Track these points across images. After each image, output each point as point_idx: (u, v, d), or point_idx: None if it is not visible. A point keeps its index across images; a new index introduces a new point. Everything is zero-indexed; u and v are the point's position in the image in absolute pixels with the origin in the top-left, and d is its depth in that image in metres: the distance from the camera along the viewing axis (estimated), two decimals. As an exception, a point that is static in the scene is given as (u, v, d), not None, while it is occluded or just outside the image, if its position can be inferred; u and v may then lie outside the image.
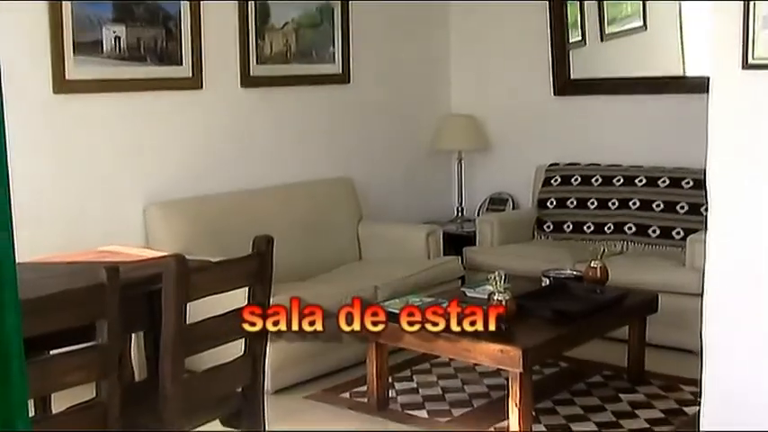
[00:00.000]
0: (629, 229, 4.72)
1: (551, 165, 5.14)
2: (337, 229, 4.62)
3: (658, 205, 4.66)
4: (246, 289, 2.44)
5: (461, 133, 5.41)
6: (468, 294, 3.63)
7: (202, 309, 2.33)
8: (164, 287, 2.21)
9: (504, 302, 3.10)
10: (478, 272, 4.51)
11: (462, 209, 5.47)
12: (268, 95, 4.60)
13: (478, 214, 5.35)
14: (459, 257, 4.64)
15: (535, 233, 5.04)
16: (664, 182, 4.69)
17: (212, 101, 4.32)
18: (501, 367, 3.23)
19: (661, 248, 4.59)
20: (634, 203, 4.74)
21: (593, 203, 4.88)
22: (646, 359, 3.79)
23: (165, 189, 4.11)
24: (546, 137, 5.30)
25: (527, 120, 5.38)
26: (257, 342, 2.48)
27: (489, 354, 3.06)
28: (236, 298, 2.44)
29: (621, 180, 4.84)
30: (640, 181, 4.77)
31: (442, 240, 4.63)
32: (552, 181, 5.06)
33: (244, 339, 2.46)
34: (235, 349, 2.46)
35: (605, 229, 4.79)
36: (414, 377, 3.88)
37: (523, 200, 5.36)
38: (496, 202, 5.45)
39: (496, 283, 3.12)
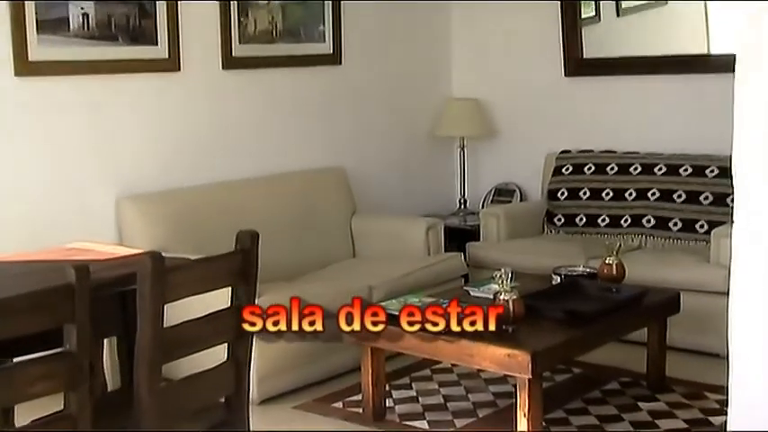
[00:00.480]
0: (648, 222, 4.72)
1: (562, 152, 5.14)
2: (328, 224, 4.61)
3: (680, 196, 4.66)
4: (229, 289, 2.44)
5: (464, 118, 5.41)
6: (472, 294, 3.64)
7: (181, 311, 2.32)
8: (138, 288, 2.20)
9: (510, 302, 3.09)
10: (483, 269, 4.51)
11: (465, 201, 5.47)
12: (252, 78, 4.59)
13: (483, 206, 5.35)
14: (462, 254, 4.64)
15: (545, 227, 5.05)
16: (686, 170, 4.70)
17: (191, 84, 4.31)
18: (508, 373, 3.23)
19: (683, 243, 4.60)
20: (653, 194, 4.75)
21: (608, 194, 4.88)
22: (667, 364, 3.79)
23: (140, 181, 4.10)
24: (556, 122, 5.29)
25: (535, 103, 5.38)
26: (242, 347, 2.48)
27: (495, 358, 3.06)
28: (218, 299, 2.43)
29: (639, 168, 4.84)
30: (660, 169, 4.77)
31: (443, 235, 4.62)
32: (563, 170, 5.06)
33: (227, 344, 2.46)
34: (217, 355, 2.45)
35: (622, 222, 4.80)
36: (413, 385, 3.87)
37: (532, 191, 5.37)
38: (502, 194, 5.45)
39: (502, 282, 3.11)
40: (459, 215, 5.40)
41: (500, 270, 3.15)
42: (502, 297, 3.11)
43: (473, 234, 5.00)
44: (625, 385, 3.80)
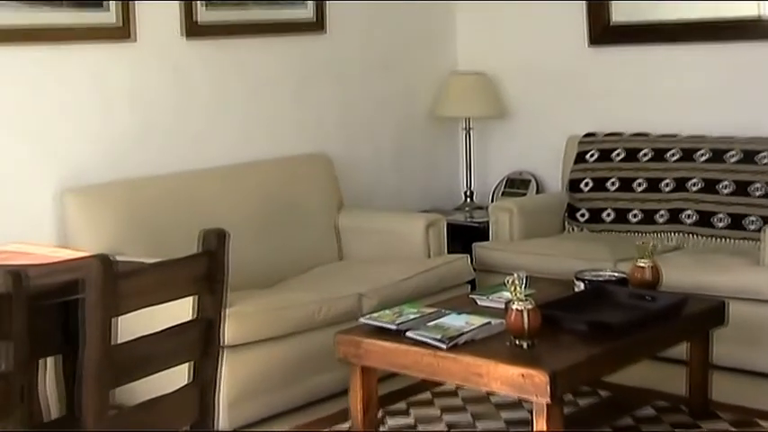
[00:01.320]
0: (689, 217, 4.71)
1: (586, 135, 5.12)
2: (310, 221, 4.60)
3: (726, 186, 4.64)
4: (193, 299, 2.42)
5: (470, 96, 5.38)
6: (480, 303, 3.63)
7: (135, 325, 2.31)
8: (86, 297, 2.16)
9: (525, 313, 3.06)
10: (493, 274, 4.49)
11: (472, 193, 5.44)
12: (219, 49, 4.57)
13: (493, 200, 5.33)
14: (468, 255, 4.62)
15: (566, 224, 5.04)
16: (733, 156, 4.68)
17: (146, 56, 4.28)
18: (523, 397, 3.17)
19: (730, 242, 4.58)
20: (695, 184, 4.73)
21: (640, 185, 4.86)
22: (711, 386, 3.76)
23: (85, 170, 4.07)
24: (579, 100, 5.27)
25: (554, 78, 5.35)
26: (208, 366, 2.46)
27: (507, 379, 3.03)
28: (180, 310, 2.42)
29: (678, 154, 4.83)
30: (703, 155, 4.75)
31: (445, 234, 4.60)
32: (587, 156, 5.04)
33: (190, 363, 2.44)
34: (179, 376, 2.43)
35: (657, 217, 4.79)
36: (410, 410, 3.85)
37: (550, 181, 5.36)
38: (515, 185, 5.43)
39: (515, 289, 3.08)
40: (465, 210, 5.38)
41: (512, 275, 3.12)
42: (515, 307, 3.08)
43: (481, 232, 4.98)
44: (662, 411, 3.77)
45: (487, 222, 4.94)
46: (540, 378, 2.94)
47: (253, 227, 4.27)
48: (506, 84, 5.50)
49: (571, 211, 5.01)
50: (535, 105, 5.43)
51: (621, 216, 4.86)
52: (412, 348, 3.17)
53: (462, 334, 3.15)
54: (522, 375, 2.98)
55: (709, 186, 4.68)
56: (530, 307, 3.07)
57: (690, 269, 4.20)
